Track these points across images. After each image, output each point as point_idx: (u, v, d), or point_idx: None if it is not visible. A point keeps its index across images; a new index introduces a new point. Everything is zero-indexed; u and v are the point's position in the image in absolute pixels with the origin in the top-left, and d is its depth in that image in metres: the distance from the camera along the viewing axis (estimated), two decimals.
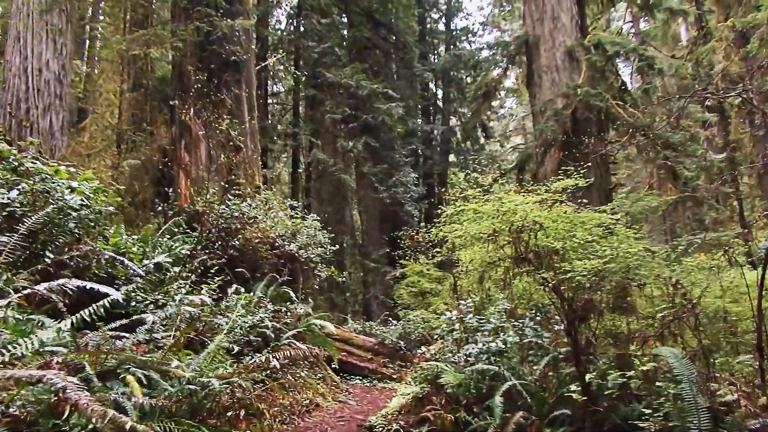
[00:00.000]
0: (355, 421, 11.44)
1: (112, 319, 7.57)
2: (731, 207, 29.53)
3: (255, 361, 11.70)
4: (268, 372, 11.55)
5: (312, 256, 15.75)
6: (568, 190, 9.29)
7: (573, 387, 8.08)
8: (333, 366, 15.25)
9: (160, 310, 8.42)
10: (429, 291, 23.53)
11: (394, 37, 33.92)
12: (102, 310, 6.31)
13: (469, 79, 40.62)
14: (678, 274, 7.89)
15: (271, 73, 32.68)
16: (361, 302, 30.32)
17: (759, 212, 26.58)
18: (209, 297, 10.39)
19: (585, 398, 7.33)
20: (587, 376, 7.47)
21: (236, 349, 11.67)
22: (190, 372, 7.17)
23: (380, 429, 10.40)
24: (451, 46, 41.94)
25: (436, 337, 11.65)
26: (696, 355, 7.23)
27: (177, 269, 11.10)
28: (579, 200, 9.93)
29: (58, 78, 19.11)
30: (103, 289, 6.31)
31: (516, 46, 26.92)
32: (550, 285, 7.97)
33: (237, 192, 16.00)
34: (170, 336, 7.94)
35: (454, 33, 43.05)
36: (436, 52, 43.06)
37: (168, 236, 12.83)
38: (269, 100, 33.65)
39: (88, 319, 6.19)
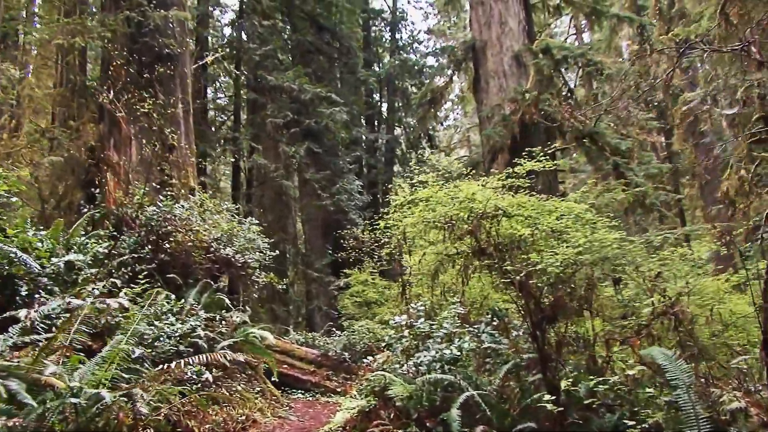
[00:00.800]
0: None
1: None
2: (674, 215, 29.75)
3: (186, 373, 10.73)
4: (199, 385, 10.55)
5: (250, 261, 14.71)
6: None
7: (538, 396, 7.28)
8: (273, 379, 14.22)
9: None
10: (374, 301, 22.76)
11: (338, 43, 33.07)
12: None
13: (414, 89, 39.98)
14: (660, 266, 7.10)
15: (212, 75, 31.45)
16: (304, 314, 29.25)
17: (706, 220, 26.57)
18: (131, 302, 9.33)
19: (555, 409, 6.45)
20: (562, 384, 6.61)
21: (165, 359, 10.75)
22: (75, 382, 6.00)
23: None
24: (396, 54, 41.28)
25: (383, 346, 10.70)
26: (693, 356, 6.40)
27: (94, 271, 9.98)
28: None
29: None
30: None
31: (463, 51, 26.37)
32: (516, 280, 7.10)
33: (170, 193, 14.91)
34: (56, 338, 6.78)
35: (399, 42, 42.42)
36: (381, 62, 42.33)
37: (83, 233, 11.56)
38: (209, 106, 32.42)
39: None
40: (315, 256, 29.32)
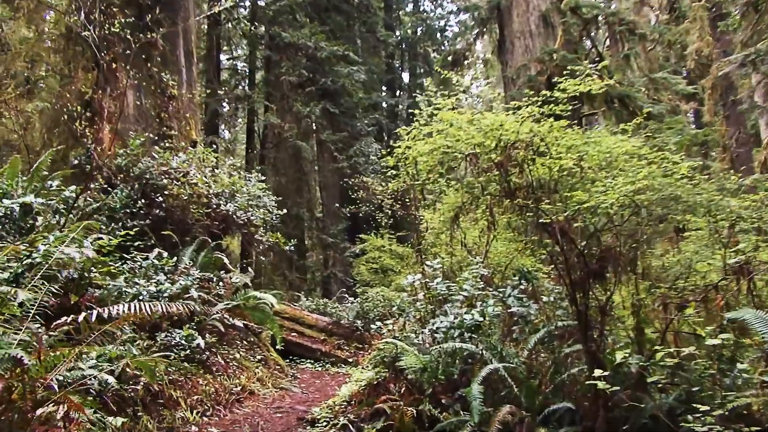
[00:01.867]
0: (296, 413, 9.35)
1: None
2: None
3: (174, 338, 9.62)
4: (189, 352, 9.43)
5: (253, 219, 13.50)
6: None
7: (577, 371, 6.05)
8: (278, 348, 13.12)
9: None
10: (391, 268, 21.61)
11: (356, 1, 31.59)
12: None
13: (436, 55, 38.51)
14: (744, 212, 5.75)
15: (226, 33, 30.10)
16: (319, 281, 28.12)
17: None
18: (108, 255, 8.16)
19: (607, 387, 5.17)
20: (620, 355, 5.32)
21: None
22: None
23: (324, 424, 8.32)
24: (418, 16, 39.75)
25: (394, 310, 9.46)
26: None
27: (61, 219, 8.76)
28: None
29: None
30: None
31: (487, 10, 24.95)
32: (555, 225, 5.79)
33: (169, 145, 13.71)
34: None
35: (421, 5, 40.88)
36: (402, 25, 40.75)
37: (45, 173, 10.23)
38: (223, 63, 31.12)
39: None
40: (330, 220, 28.19)
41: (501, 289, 8.24)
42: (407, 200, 9.93)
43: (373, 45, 33.34)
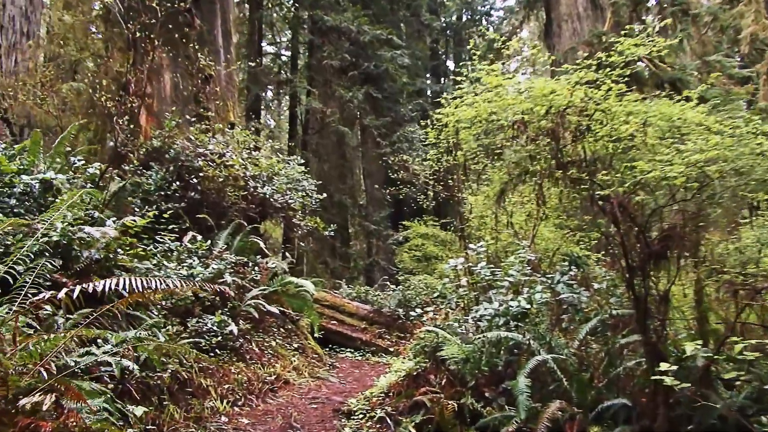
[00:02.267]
0: (332, 404, 8.91)
1: None
2: None
3: (206, 324, 9.25)
4: (220, 338, 9.05)
5: (291, 202, 13.07)
6: None
7: (634, 364, 5.49)
8: (317, 336, 12.72)
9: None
10: (435, 255, 21.14)
11: None
12: None
13: (481, 40, 37.69)
14: None
15: (268, 17, 29.75)
16: (362, 268, 27.68)
17: None
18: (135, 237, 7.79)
19: (676, 384, 4.59)
20: (690, 347, 4.74)
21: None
22: None
23: (360, 416, 7.88)
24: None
25: (435, 297, 8.93)
26: None
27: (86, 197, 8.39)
28: None
29: (25, 14, 16.72)
30: None
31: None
32: (613, 200, 5.20)
33: (206, 127, 13.37)
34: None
35: None
36: (448, 11, 39.96)
37: (69, 149, 9.86)
38: (264, 48, 30.80)
39: None
40: (374, 207, 27.74)
41: (549, 276, 7.70)
42: (450, 180, 9.39)
43: (417, 29, 32.71)
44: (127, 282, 5.08)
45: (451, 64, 39.63)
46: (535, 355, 6.15)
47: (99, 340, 5.64)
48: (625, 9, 20.77)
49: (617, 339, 6.33)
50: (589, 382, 6.04)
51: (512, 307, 6.85)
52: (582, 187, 5.44)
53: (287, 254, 14.56)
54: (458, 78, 7.07)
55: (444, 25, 37.02)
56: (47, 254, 6.10)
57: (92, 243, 6.69)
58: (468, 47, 37.62)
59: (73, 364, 4.93)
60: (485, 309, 7.06)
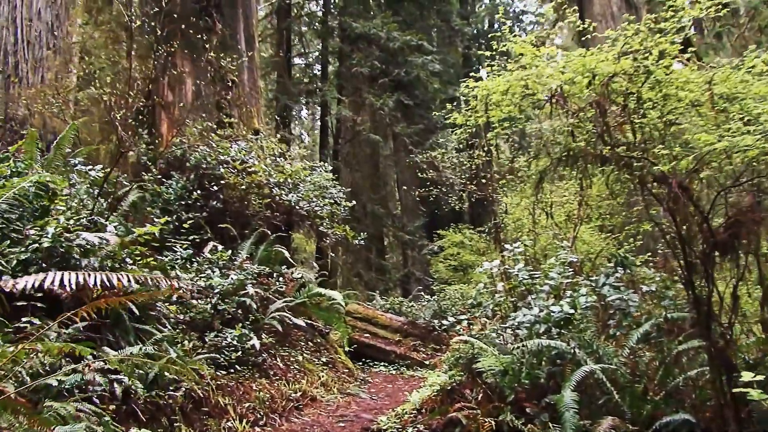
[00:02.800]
0: (361, 423, 8.30)
1: None
2: None
3: (225, 338, 8.69)
4: (240, 353, 8.48)
5: (317, 209, 12.50)
6: None
7: (696, 373, 4.79)
8: (349, 349, 12.15)
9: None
10: (470, 265, 20.45)
11: None
12: None
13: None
14: None
15: (297, 29, 29.41)
16: (397, 280, 27.04)
17: None
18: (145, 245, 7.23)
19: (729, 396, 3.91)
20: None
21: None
22: None
23: None
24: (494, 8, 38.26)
25: (470, 304, 8.26)
26: None
27: (87, 199, 7.86)
28: None
29: (51, 29, 16.55)
30: None
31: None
32: (672, 180, 4.49)
33: (228, 133, 12.89)
34: None
35: None
36: (476, 16, 39.34)
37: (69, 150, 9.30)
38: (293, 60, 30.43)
39: None
40: (408, 217, 27.13)
41: (593, 278, 7.03)
42: (483, 178, 8.74)
43: (448, 35, 32.08)
44: (57, 278, 4.40)
45: (484, 73, 38.94)
46: (581, 365, 5.48)
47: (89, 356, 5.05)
48: (660, 7, 20.08)
49: (673, 345, 5.63)
50: (643, 395, 5.36)
51: (554, 312, 6.18)
52: (636, 165, 4.72)
53: (314, 264, 13.96)
54: (487, 54, 6.45)
55: (476, 32, 36.39)
56: (39, 263, 5.58)
57: (94, 251, 6.17)
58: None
59: (56, 383, 4.38)
60: (524, 315, 6.40)
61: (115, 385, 5.53)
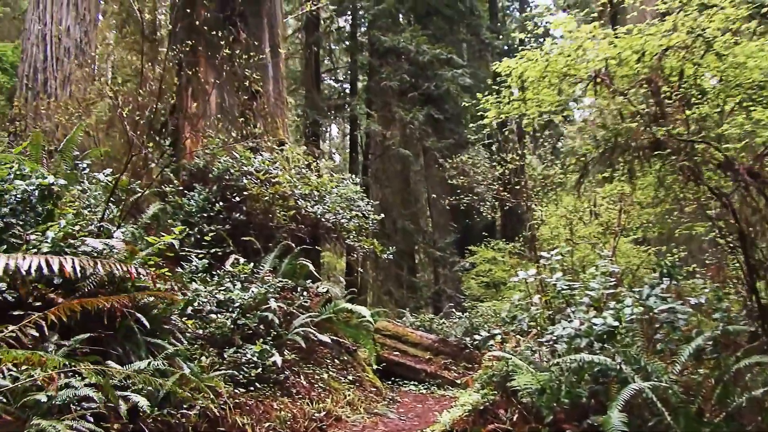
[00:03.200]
0: None
1: None
2: None
3: (245, 354, 8.27)
4: (261, 371, 8.04)
5: (343, 221, 12.06)
6: None
7: (759, 393, 4.27)
8: (377, 368, 11.70)
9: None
10: (503, 282, 19.91)
11: (459, 4, 29.99)
12: None
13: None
14: None
15: (324, 40, 29.20)
16: (428, 297, 26.51)
17: None
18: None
19: None
20: None
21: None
22: None
23: None
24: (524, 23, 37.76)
25: (504, 317, 7.73)
26: None
27: (97, 205, 7.46)
28: None
29: (80, 46, 16.62)
30: None
31: (600, 3, 23.16)
32: (739, 166, 3.97)
33: (253, 145, 12.55)
34: None
35: (530, 10, 38.92)
36: (506, 30, 38.89)
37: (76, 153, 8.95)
38: (324, 77, 30.23)
39: None
40: (439, 234, 26.64)
41: (636, 290, 6.50)
42: (516, 185, 8.25)
43: (478, 49, 31.65)
44: None
45: (515, 91, 38.42)
46: (628, 382, 4.96)
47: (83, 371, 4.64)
48: None
49: (732, 362, 5.09)
50: (698, 416, 4.83)
51: (596, 325, 5.66)
52: (694, 149, 4.18)
53: (341, 279, 13.54)
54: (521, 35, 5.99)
55: (506, 48, 35.96)
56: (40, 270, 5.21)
57: (101, 258, 5.78)
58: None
59: (45, 399, 3.97)
60: (564, 329, 5.89)
61: (121, 402, 5.11)
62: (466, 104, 26.56)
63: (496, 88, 6.29)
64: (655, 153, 4.78)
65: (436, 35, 27.95)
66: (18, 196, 5.68)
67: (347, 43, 28.74)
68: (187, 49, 12.79)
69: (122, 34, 15.64)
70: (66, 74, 16.09)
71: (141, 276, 6.15)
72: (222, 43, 12.62)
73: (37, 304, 4.87)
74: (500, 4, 38.58)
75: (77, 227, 5.81)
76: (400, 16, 29.02)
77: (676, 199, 6.40)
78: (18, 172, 6.17)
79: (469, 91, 27.34)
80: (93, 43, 17.91)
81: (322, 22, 28.16)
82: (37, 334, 4.66)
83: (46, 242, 5.24)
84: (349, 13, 28.45)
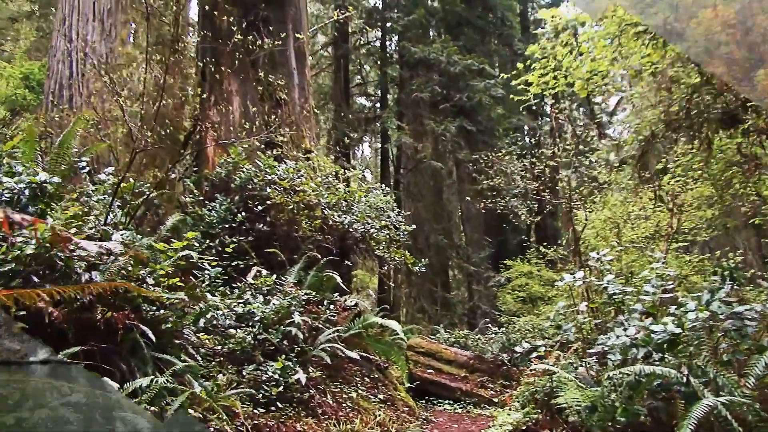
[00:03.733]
0: None
1: None
2: None
3: (266, 371, 7.68)
4: (282, 389, 7.44)
5: (372, 231, 11.47)
6: None
7: None
8: (410, 386, 11.07)
9: None
10: (540, 296, 19.25)
11: (490, 14, 29.47)
12: None
13: None
14: None
15: (353, 53, 28.80)
16: (462, 314, 25.83)
17: None
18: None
19: None
20: None
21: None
22: None
23: None
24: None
25: (548, 326, 7.06)
26: None
27: (100, 205, 6.94)
28: None
29: (106, 61, 16.46)
30: None
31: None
32: None
33: (277, 153, 12.05)
34: None
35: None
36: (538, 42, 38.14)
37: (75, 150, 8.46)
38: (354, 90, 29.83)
39: None
40: (473, 248, 25.97)
41: (695, 295, 5.82)
42: (557, 180, 7.63)
43: (510, 59, 31.09)
44: None
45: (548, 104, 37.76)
46: (697, 397, 4.28)
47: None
48: None
49: None
50: None
51: (656, 332, 4.99)
52: None
53: (371, 292, 12.96)
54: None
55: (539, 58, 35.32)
56: (26, 273, 4.68)
57: (97, 264, 5.24)
58: None
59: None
60: (617, 337, 5.22)
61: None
62: (499, 116, 25.96)
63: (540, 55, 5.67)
64: (733, 126, 4.14)
65: (467, 46, 27.46)
66: (6, 195, 5.19)
67: (377, 56, 28.30)
68: (210, 57, 12.41)
69: (146, 46, 15.35)
70: (91, 90, 15.90)
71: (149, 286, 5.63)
72: (245, 49, 12.23)
73: (21, 313, 4.33)
74: (532, 17, 38.01)
75: (73, 230, 5.29)
76: (431, 27, 28.58)
77: (734, 196, 5.73)
78: (8, 170, 5.68)
79: (502, 102, 26.80)
80: (119, 60, 17.71)
81: (350, 36, 27.81)
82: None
83: (31, 244, 4.71)
84: (378, 25, 28.03)
